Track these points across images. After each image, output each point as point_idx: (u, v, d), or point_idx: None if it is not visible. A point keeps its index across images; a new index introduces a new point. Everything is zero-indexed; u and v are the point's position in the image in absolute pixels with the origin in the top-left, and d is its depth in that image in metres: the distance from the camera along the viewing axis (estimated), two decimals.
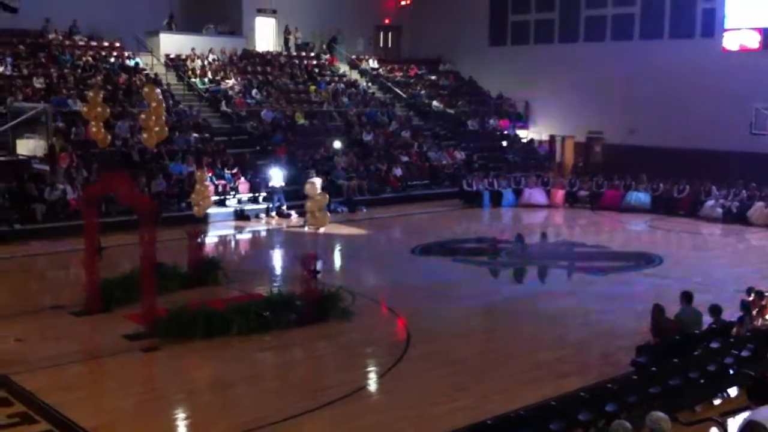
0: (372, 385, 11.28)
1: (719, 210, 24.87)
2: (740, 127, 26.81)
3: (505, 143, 34.21)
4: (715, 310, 11.66)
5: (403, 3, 39.69)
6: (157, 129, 15.59)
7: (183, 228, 17.03)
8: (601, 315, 14.41)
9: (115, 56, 30.13)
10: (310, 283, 13.55)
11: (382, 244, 21.75)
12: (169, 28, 32.68)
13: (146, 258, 12.94)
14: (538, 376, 11.10)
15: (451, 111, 35.04)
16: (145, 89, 17.13)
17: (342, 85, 34.35)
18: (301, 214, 21.86)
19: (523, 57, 35.25)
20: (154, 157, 24.19)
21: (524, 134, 35.50)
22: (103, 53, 30.05)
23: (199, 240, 16.26)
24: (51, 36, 29.68)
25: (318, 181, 21.22)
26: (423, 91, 36.15)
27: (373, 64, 37.44)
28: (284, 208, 24.63)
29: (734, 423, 7.78)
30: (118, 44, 30.85)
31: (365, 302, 14.91)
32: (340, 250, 20.78)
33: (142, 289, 12.96)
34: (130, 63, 30.05)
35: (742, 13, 28.43)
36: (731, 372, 10.51)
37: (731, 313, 12.01)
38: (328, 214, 16.41)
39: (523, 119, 35.92)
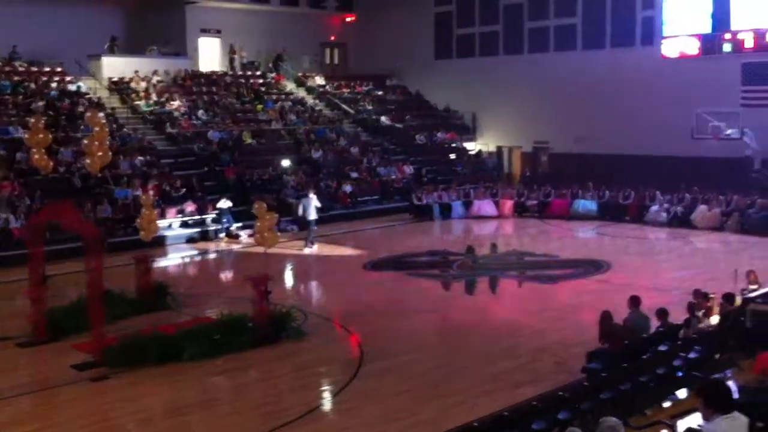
0: (328, 404, 11.24)
1: (664, 215, 25.32)
2: (682, 133, 27.42)
3: (453, 156, 34.44)
4: (662, 313, 11.86)
5: (348, 20, 39.83)
6: (100, 154, 15.41)
7: (130, 254, 16.80)
8: (553, 323, 14.55)
9: (56, 81, 29.69)
10: (261, 304, 13.47)
11: (333, 262, 21.71)
12: (111, 51, 32.30)
13: (93, 286, 12.74)
14: (493, 388, 11.16)
15: (400, 126, 35.19)
16: (88, 114, 16.94)
17: (289, 103, 34.28)
18: (251, 234, 21.78)
19: (469, 70, 35.61)
20: (98, 183, 23.84)
21: (472, 146, 35.78)
22: (45, 78, 29.59)
23: (146, 265, 16.04)
24: None
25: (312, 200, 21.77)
26: (371, 107, 36.25)
27: (319, 81, 37.46)
28: (233, 229, 24.44)
29: (684, 425, 7.89)
30: (59, 69, 30.42)
31: (318, 321, 14.87)
32: (291, 269, 20.68)
33: (90, 318, 12.74)
34: (73, 88, 29.62)
35: (680, 20, 29.07)
36: (680, 374, 10.69)
37: (678, 316, 12.21)
38: (278, 233, 16.36)
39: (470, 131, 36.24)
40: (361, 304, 16.84)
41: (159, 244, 22.08)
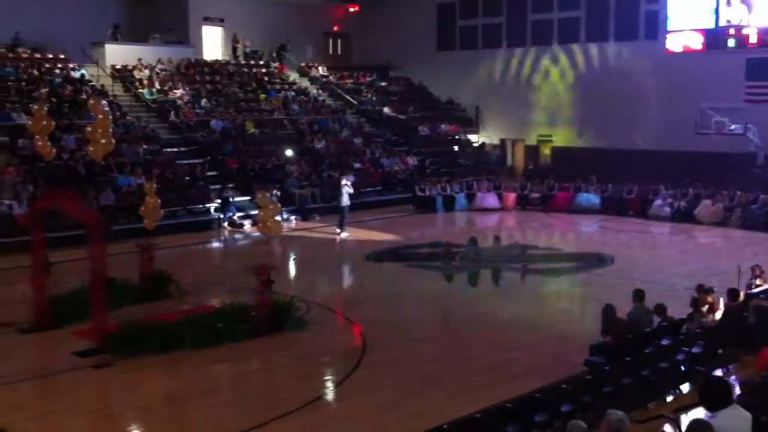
0: (329, 394, 11.23)
1: (667, 209, 25.28)
2: (685, 127, 27.36)
3: (456, 148, 34.39)
4: (660, 309, 11.84)
5: (351, 10, 39.72)
6: (103, 141, 15.38)
7: (133, 241, 16.78)
8: (555, 316, 14.56)
9: (59, 68, 29.65)
10: (263, 294, 13.46)
11: (336, 252, 21.69)
12: (115, 39, 32.23)
13: (96, 273, 12.71)
14: (493, 379, 11.14)
15: (402, 117, 35.13)
16: (91, 101, 16.88)
17: (292, 93, 34.23)
18: (254, 223, 21.79)
19: (471, 62, 35.53)
20: (102, 170, 23.82)
21: (475, 139, 35.73)
22: (48, 65, 29.54)
23: (149, 253, 16.02)
24: None
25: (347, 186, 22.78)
26: (373, 98, 36.19)
27: (322, 71, 37.40)
28: (236, 218, 24.43)
29: (686, 419, 7.87)
30: (62, 56, 30.37)
31: (320, 311, 14.86)
32: (293, 259, 20.67)
33: (92, 305, 12.73)
34: (76, 75, 29.58)
35: (684, 14, 28.95)
36: (683, 369, 10.67)
37: (682, 311, 12.20)
38: (281, 223, 16.35)
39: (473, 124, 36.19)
40: (363, 294, 16.86)
41: (163, 232, 22.04)
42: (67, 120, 25.51)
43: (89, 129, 15.74)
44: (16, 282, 16.85)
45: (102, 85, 29.47)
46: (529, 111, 33.80)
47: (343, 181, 23.57)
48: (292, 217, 25.34)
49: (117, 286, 14.77)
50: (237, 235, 23.66)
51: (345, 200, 23.15)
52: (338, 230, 23.12)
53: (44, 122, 15.90)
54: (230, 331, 12.98)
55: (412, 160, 31.73)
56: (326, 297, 16.34)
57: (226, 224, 24.37)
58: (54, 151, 17.15)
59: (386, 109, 35.16)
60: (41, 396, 11.14)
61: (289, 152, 28.79)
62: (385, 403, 10.44)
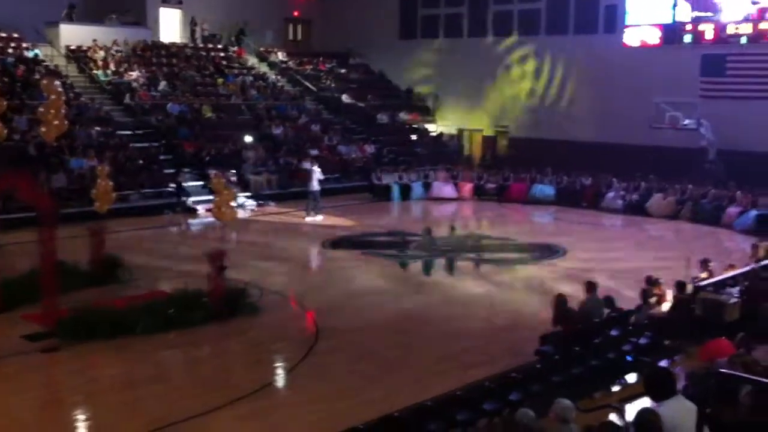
0: (281, 380, 11.24)
1: (620, 202, 25.62)
2: (640, 121, 27.74)
3: (414, 137, 34.44)
4: (609, 301, 12.03)
5: None
6: (56, 122, 15.10)
7: (85, 225, 16.54)
8: (508, 306, 14.69)
9: (13, 48, 29.05)
10: (216, 280, 13.38)
11: (291, 239, 21.62)
12: (70, 19, 31.66)
13: (46, 256, 12.52)
14: (446, 368, 11.23)
15: (362, 105, 35.07)
16: (44, 81, 16.58)
17: (251, 78, 33.96)
18: (209, 209, 21.61)
19: (432, 51, 35.58)
20: (54, 152, 23.43)
21: (433, 128, 35.81)
22: (0, 44, 28.92)
23: (100, 237, 15.81)
24: None
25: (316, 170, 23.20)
26: (333, 85, 36.06)
27: (282, 56, 37.15)
28: (190, 202, 24.20)
29: (632, 409, 8.02)
30: (16, 35, 29.73)
31: (274, 298, 14.84)
32: (248, 244, 20.55)
33: (43, 289, 12.54)
34: (29, 54, 29.02)
35: (643, 9, 29.27)
36: (629, 359, 10.86)
37: (631, 302, 12.39)
38: (236, 208, 16.24)
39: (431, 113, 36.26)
40: (318, 281, 16.85)
41: (115, 215, 21.77)
42: (19, 100, 25.04)
43: (41, 110, 15.45)
44: None
45: (56, 66, 28.95)
46: (487, 101, 33.95)
47: (314, 167, 23.91)
48: (250, 203, 25.21)
49: (67, 270, 14.54)
50: (191, 220, 23.45)
51: (315, 185, 23.51)
52: (307, 214, 23.46)
53: None
54: (182, 317, 12.89)
55: (369, 148, 31.72)
56: (281, 284, 16.28)
57: (179, 209, 24.13)
58: (5, 131, 16.80)
59: (345, 97, 35.07)
60: None
61: (248, 138, 28.58)
62: (337, 389, 10.47)
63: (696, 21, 27.92)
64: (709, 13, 27.73)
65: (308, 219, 23.38)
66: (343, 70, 37.83)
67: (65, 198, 21.51)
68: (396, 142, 33.40)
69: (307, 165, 24.89)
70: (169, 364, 11.84)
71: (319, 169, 23.97)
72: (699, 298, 12.46)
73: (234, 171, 25.35)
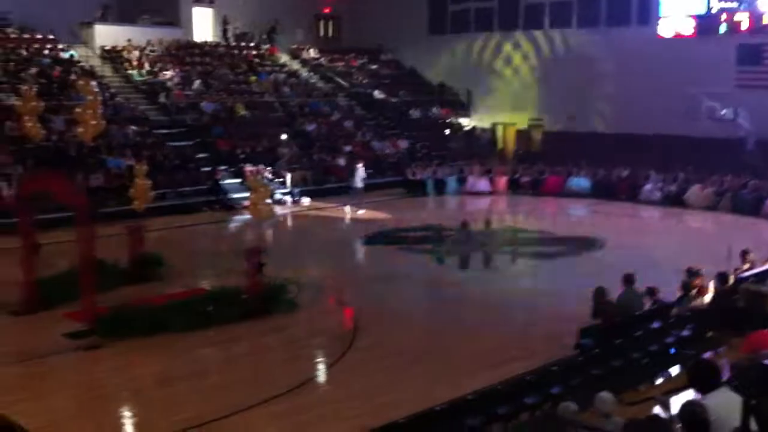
0: (319, 377, 11.24)
1: (658, 193, 25.34)
2: (677, 112, 27.36)
3: (447, 132, 34.31)
4: (651, 291, 11.87)
5: None
6: (93, 122, 15.27)
7: (123, 223, 16.68)
8: (545, 299, 14.57)
9: (48, 49, 29.40)
10: (254, 277, 13.42)
11: (327, 235, 21.66)
12: (104, 19, 31.97)
13: (85, 255, 12.64)
14: (484, 362, 11.16)
15: (394, 100, 35.02)
16: (80, 82, 16.77)
17: (283, 76, 34.06)
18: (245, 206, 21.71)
19: (463, 45, 35.41)
20: (91, 152, 23.67)
21: (466, 122, 35.66)
22: (37, 46, 29.28)
23: (139, 235, 15.95)
24: None
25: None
26: (364, 81, 36.04)
27: (313, 53, 37.21)
28: (227, 200, 24.33)
29: (677, 401, 7.90)
30: (51, 36, 30.10)
31: (312, 294, 14.81)
32: (285, 241, 20.61)
33: (82, 287, 12.66)
34: (65, 55, 29.35)
35: (676, 0, 28.89)
36: (672, 352, 10.72)
37: (671, 294, 12.22)
38: (272, 205, 16.30)
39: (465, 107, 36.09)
40: (355, 277, 16.86)
41: (152, 214, 21.94)
42: (56, 101, 25.32)
43: (78, 110, 15.62)
44: (5, 264, 16.74)
45: (91, 66, 29.25)
46: (520, 95, 33.72)
47: (358, 165, 25.00)
48: (286, 199, 25.34)
49: (106, 269, 14.68)
50: (228, 217, 23.57)
51: (358, 182, 24.65)
52: (349, 208, 24.51)
53: (33, 103, 15.78)
54: (220, 314, 12.95)
55: (403, 144, 31.66)
56: (318, 280, 16.31)
57: (216, 206, 24.26)
58: (43, 132, 17.03)
59: (377, 92, 35.04)
60: (32, 378, 11.07)
61: (284, 136, 28.66)
62: (376, 386, 10.44)
63: (731, 11, 27.50)
64: (734, 3, 27.32)
65: (350, 213, 24.10)
66: (374, 66, 37.79)
67: (103, 197, 21.72)
68: (429, 137, 33.29)
69: (341, 161, 25.12)
70: (207, 362, 11.89)
71: (362, 168, 25.00)
72: (741, 290, 12.26)
73: (270, 167, 25.51)
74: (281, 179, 25.86)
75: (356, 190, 24.80)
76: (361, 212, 24.10)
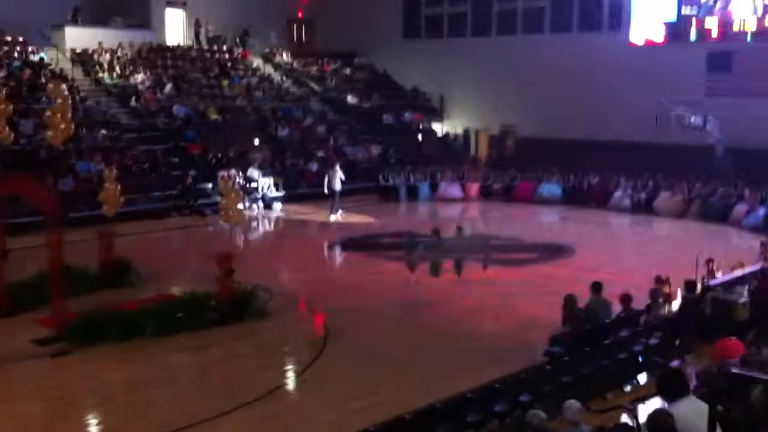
0: (290, 383, 11.23)
1: (628, 201, 25.56)
2: (647, 119, 27.58)
3: (420, 137, 34.37)
4: (625, 298, 11.97)
5: None
6: (62, 126, 15.13)
7: (93, 228, 16.56)
8: (516, 306, 14.64)
9: (18, 51, 29.07)
10: (225, 283, 13.37)
11: (298, 240, 21.62)
12: (75, 22, 31.69)
13: (54, 260, 12.54)
14: (455, 369, 11.19)
15: (367, 105, 35.03)
16: (51, 85, 16.62)
17: (256, 80, 33.95)
18: (216, 211, 21.61)
19: (437, 50, 35.51)
20: (60, 155, 23.45)
21: (439, 128, 35.76)
22: (6, 48, 28.95)
23: (109, 240, 15.83)
24: None
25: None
26: (338, 85, 36.02)
27: (286, 58, 37.14)
28: (197, 205, 24.23)
29: (644, 409, 7.99)
30: (21, 39, 29.74)
31: (283, 300, 14.80)
32: (257, 247, 20.55)
33: (51, 292, 12.55)
34: (35, 58, 29.06)
35: (648, 7, 29.20)
36: (640, 359, 10.82)
37: (640, 301, 12.34)
38: (243, 211, 16.25)
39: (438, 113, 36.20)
40: (325, 283, 16.82)
41: (122, 219, 21.76)
42: (26, 104, 25.07)
43: (48, 114, 15.48)
44: None
45: (61, 69, 28.97)
46: (492, 100, 33.87)
47: (336, 167, 24.54)
48: (257, 205, 25.25)
49: (76, 274, 14.57)
50: (199, 223, 23.45)
51: (337, 185, 24.08)
52: (332, 213, 24.02)
53: (2, 106, 15.57)
54: (191, 320, 12.90)
55: (375, 149, 31.68)
56: (289, 286, 16.29)
57: (186, 212, 24.12)
58: (12, 135, 16.83)
59: (350, 97, 35.04)
60: None
61: (256, 141, 28.56)
62: (348, 392, 10.45)
63: (701, 17, 27.83)
64: (693, 8, 27.75)
65: (332, 218, 23.92)
66: (347, 71, 37.77)
67: (73, 201, 21.52)
68: (402, 142, 33.32)
69: (314, 166, 24.97)
70: (178, 368, 11.85)
71: (340, 170, 24.58)
72: (708, 298, 12.42)
73: (241, 172, 25.39)
74: (253, 184, 25.74)
75: (335, 193, 24.23)
76: (338, 217, 23.97)
